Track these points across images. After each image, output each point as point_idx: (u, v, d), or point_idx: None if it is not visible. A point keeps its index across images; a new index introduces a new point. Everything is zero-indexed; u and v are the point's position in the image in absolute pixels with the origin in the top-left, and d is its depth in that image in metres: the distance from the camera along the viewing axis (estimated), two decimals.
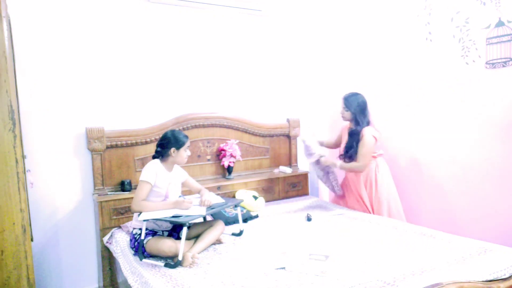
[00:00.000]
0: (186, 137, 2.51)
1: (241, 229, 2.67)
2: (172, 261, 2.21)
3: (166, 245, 2.23)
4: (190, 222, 2.20)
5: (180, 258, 2.15)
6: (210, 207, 2.45)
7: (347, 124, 3.26)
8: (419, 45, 3.15)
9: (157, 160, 2.50)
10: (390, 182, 3.16)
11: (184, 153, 2.48)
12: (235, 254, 2.33)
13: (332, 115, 4.06)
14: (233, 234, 2.67)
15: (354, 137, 3.08)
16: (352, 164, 3.09)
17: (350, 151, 3.11)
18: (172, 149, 2.45)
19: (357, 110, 3.06)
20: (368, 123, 3.09)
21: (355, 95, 3.11)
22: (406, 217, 3.23)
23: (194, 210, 2.35)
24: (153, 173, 2.39)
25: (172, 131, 2.52)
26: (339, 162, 3.16)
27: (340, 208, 3.30)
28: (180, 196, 2.55)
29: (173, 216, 2.25)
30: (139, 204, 2.33)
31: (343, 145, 3.24)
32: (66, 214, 2.97)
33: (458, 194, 2.97)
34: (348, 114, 3.11)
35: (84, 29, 2.98)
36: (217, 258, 2.28)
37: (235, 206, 2.79)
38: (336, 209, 3.25)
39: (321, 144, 3.41)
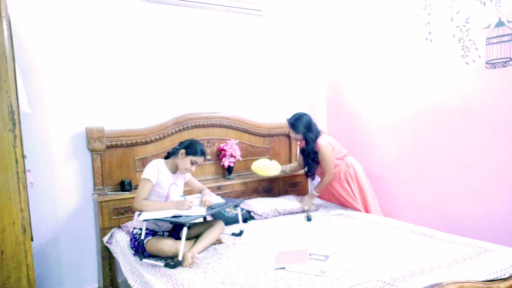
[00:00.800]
0: (202, 153, 2.48)
1: (241, 229, 2.67)
2: (172, 261, 2.21)
3: (166, 245, 2.23)
4: (190, 222, 2.20)
5: (180, 258, 2.15)
6: (210, 207, 2.45)
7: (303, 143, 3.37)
8: (419, 45, 3.15)
9: (161, 160, 2.50)
10: (365, 178, 3.34)
11: (188, 161, 2.45)
12: (235, 254, 2.33)
13: (332, 115, 4.06)
14: (233, 234, 2.67)
15: (308, 155, 3.22)
16: (324, 181, 3.22)
17: (310, 169, 3.27)
18: (182, 151, 2.44)
19: (304, 130, 3.16)
20: (317, 136, 3.19)
21: (298, 117, 3.20)
22: (406, 216, 3.23)
23: (194, 211, 2.35)
24: (155, 171, 2.40)
25: (196, 140, 2.54)
26: (314, 192, 3.29)
27: (340, 208, 3.30)
28: (181, 196, 2.55)
29: (173, 216, 2.25)
30: (140, 203, 2.33)
31: (300, 162, 3.46)
32: (66, 214, 2.97)
33: (458, 194, 2.97)
34: (299, 136, 3.21)
35: (84, 29, 2.98)
36: (217, 258, 2.28)
37: (235, 206, 2.79)
38: (336, 209, 3.25)
39: (286, 171, 3.55)
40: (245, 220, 2.98)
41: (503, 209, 2.70)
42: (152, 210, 2.31)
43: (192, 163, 2.46)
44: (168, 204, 2.38)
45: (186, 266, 2.15)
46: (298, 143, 3.44)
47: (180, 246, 2.18)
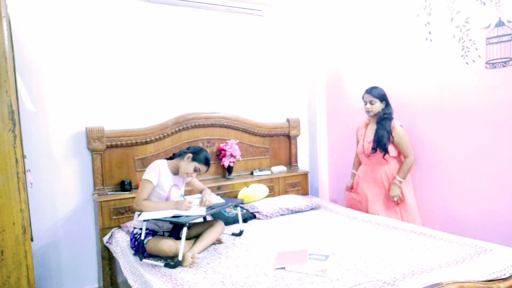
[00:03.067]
0: (207, 163, 2.49)
1: (241, 229, 2.67)
2: (172, 261, 2.21)
3: (167, 245, 2.23)
4: (190, 222, 2.20)
5: (180, 258, 2.15)
6: (210, 207, 2.45)
7: (359, 125, 3.23)
8: (419, 45, 3.15)
9: (164, 160, 2.50)
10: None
11: (191, 168, 2.45)
12: (235, 254, 2.33)
13: (332, 115, 4.06)
14: (233, 234, 2.67)
15: (384, 125, 2.96)
16: (407, 164, 2.95)
17: (383, 140, 2.94)
18: (188, 155, 2.45)
19: (385, 102, 3.01)
20: (392, 115, 3.04)
21: (377, 87, 3.05)
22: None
23: (194, 211, 2.35)
24: (156, 172, 2.40)
25: (205, 150, 2.54)
26: (398, 178, 2.94)
27: (340, 208, 3.30)
28: (181, 196, 2.55)
29: (173, 216, 2.25)
30: (140, 203, 2.33)
31: (369, 138, 3.07)
32: (66, 214, 2.97)
33: (458, 194, 2.97)
34: (377, 106, 2.99)
35: (84, 29, 2.98)
36: (217, 258, 2.28)
37: (235, 206, 2.79)
38: (336, 209, 3.25)
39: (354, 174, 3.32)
40: (245, 220, 2.98)
41: (503, 209, 2.70)
42: (151, 211, 2.31)
43: (195, 170, 2.47)
44: (167, 204, 2.38)
45: (186, 266, 2.15)
46: (366, 116, 3.13)
47: (180, 246, 2.18)
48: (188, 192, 2.88)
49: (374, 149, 3.00)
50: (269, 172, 3.72)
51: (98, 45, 3.04)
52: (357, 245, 2.37)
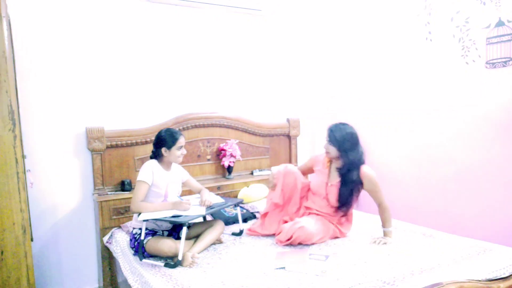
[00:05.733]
0: (178, 135, 2.45)
1: (241, 229, 2.67)
2: (172, 261, 2.21)
3: (166, 245, 2.23)
4: (190, 222, 2.20)
5: (180, 257, 2.15)
6: (209, 207, 2.45)
7: (319, 156, 2.69)
8: (419, 45, 3.15)
9: (153, 160, 2.50)
10: None
11: (177, 152, 2.44)
12: (235, 254, 2.33)
13: (332, 115, 4.06)
14: (233, 234, 2.67)
15: (350, 180, 2.43)
16: (388, 212, 2.47)
17: (347, 201, 2.46)
18: (163, 149, 2.44)
19: (344, 146, 2.41)
20: (362, 160, 2.47)
21: (343, 125, 2.47)
22: (406, 216, 3.22)
23: (193, 210, 2.35)
24: (149, 172, 2.39)
25: (166, 130, 2.49)
26: (389, 229, 2.45)
27: None
28: (178, 197, 2.55)
29: (172, 216, 2.25)
30: (137, 205, 2.32)
31: (333, 180, 2.53)
32: (66, 214, 2.97)
33: (458, 194, 2.97)
34: (333, 150, 2.44)
35: (84, 29, 2.98)
36: (217, 258, 2.28)
37: (235, 206, 2.78)
38: None
39: None
40: (245, 220, 2.97)
41: (503, 209, 2.70)
42: (149, 212, 2.31)
43: (179, 150, 2.45)
44: (165, 205, 2.37)
45: (186, 266, 2.15)
46: (326, 160, 2.58)
47: (180, 246, 2.18)
48: (187, 193, 2.87)
49: (338, 208, 2.51)
50: (269, 172, 3.71)
51: (98, 45, 3.04)
52: (357, 245, 2.36)
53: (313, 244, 2.40)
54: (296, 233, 2.35)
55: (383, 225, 2.47)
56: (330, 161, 2.59)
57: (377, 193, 2.47)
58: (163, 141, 2.44)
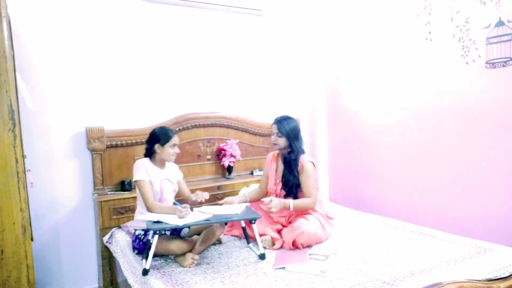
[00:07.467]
0: (172, 133, 2.48)
1: (262, 252, 2.26)
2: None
3: (174, 244, 2.24)
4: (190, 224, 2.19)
5: (147, 266, 2.08)
6: (218, 215, 2.30)
7: (270, 156, 2.86)
8: (419, 45, 3.15)
9: (144, 158, 2.50)
10: None
11: (170, 149, 2.45)
12: (235, 254, 2.33)
13: (332, 115, 4.06)
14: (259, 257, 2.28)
15: (292, 166, 2.62)
16: (305, 201, 2.55)
17: (291, 182, 2.61)
18: (157, 146, 2.45)
19: (292, 136, 2.62)
20: (302, 149, 2.67)
21: (288, 119, 2.68)
22: (406, 216, 3.22)
23: (193, 217, 2.29)
24: (142, 170, 2.40)
25: (160, 128, 2.52)
26: (291, 202, 2.51)
27: (340, 207, 3.29)
28: (178, 204, 2.49)
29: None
30: (152, 205, 2.33)
31: (278, 174, 2.72)
32: (66, 214, 2.97)
33: (458, 194, 2.97)
34: (282, 141, 2.63)
35: (84, 28, 2.98)
36: (217, 258, 2.28)
37: (251, 222, 2.31)
38: (335, 209, 3.25)
39: (246, 201, 2.77)
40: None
41: (503, 209, 2.70)
42: (159, 212, 2.30)
43: (172, 147, 2.46)
44: (170, 208, 2.34)
45: (186, 266, 2.15)
46: (274, 148, 2.75)
47: (179, 246, 2.19)
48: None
49: (285, 194, 2.65)
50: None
51: (98, 44, 3.04)
52: (357, 245, 2.36)
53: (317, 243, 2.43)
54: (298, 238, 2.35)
55: (293, 200, 2.53)
56: (278, 156, 2.80)
57: (308, 184, 2.58)
58: (156, 138, 2.45)
